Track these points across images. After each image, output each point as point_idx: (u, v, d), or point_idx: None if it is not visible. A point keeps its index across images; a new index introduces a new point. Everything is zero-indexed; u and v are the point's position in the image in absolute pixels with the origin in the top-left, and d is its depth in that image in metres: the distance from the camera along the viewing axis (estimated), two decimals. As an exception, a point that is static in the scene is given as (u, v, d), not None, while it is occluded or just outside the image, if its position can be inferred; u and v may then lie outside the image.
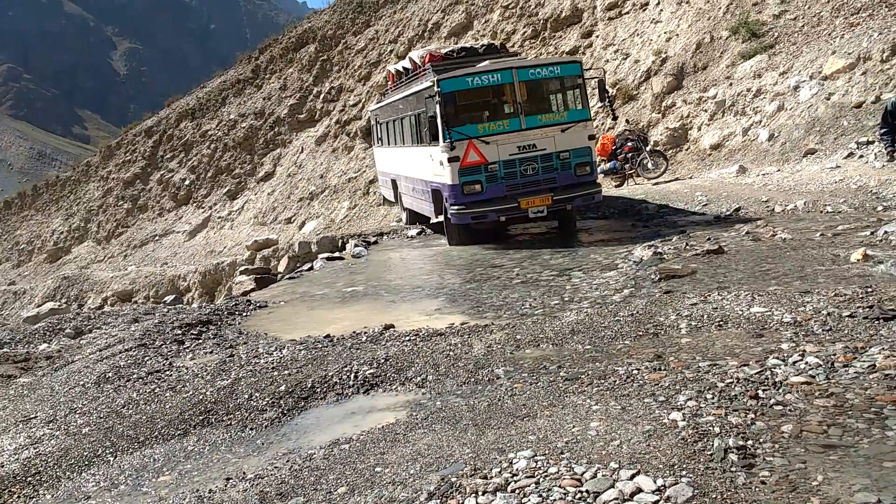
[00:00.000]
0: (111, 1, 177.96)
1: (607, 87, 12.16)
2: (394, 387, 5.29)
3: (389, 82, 16.40)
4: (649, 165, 14.98)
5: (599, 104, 11.72)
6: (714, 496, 2.97)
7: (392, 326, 7.01)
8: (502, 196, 10.68)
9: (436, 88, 10.58)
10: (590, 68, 14.99)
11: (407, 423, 4.48)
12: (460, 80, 10.68)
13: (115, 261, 31.83)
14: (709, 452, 3.32)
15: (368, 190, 24.35)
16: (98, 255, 33.32)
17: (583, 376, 4.64)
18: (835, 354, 4.30)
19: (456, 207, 10.89)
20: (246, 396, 5.55)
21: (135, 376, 6.57)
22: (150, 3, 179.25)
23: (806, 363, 4.23)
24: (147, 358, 7.11)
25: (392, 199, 17.24)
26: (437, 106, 10.63)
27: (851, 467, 3.09)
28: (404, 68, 14.44)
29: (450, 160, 10.64)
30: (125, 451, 5.04)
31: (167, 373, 6.56)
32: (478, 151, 10.58)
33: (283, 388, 5.55)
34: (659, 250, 8.64)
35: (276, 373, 5.95)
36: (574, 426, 3.83)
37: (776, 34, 15.54)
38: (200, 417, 5.36)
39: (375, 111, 17.84)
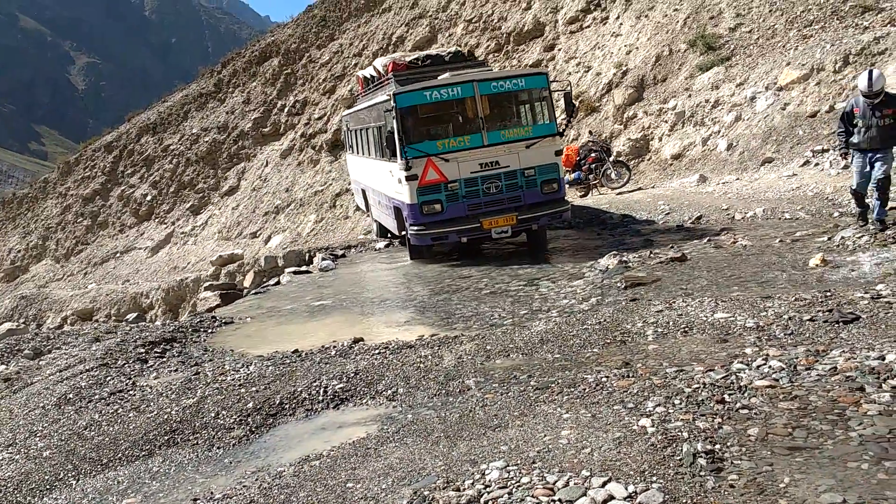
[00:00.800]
0: (69, 15, 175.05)
1: (573, 100, 11.80)
2: (364, 401, 5.24)
3: (359, 87, 15.94)
4: (613, 175, 15.20)
5: (565, 118, 11.28)
6: (684, 501, 3.01)
7: (361, 340, 6.96)
8: (464, 216, 10.20)
9: (392, 103, 10.09)
10: (554, 80, 15.14)
11: (378, 437, 4.45)
12: (418, 94, 10.13)
13: (75, 279, 31.08)
14: (678, 458, 3.36)
15: (335, 203, 24.22)
16: (57, 274, 32.50)
17: (553, 385, 4.66)
18: (797, 358, 4.39)
19: (415, 228, 10.40)
20: (213, 415, 5.45)
21: (97, 397, 6.40)
22: (109, 18, 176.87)
23: (769, 367, 4.31)
24: (109, 378, 6.94)
25: (364, 209, 16.92)
26: (394, 121, 10.12)
27: (817, 468, 3.15)
28: (371, 75, 14.06)
29: (407, 178, 10.15)
30: (88, 474, 4.90)
31: (130, 392, 6.41)
32: (437, 169, 10.07)
33: (250, 405, 5.46)
34: (624, 259, 8.75)
35: (243, 390, 5.86)
36: (545, 435, 3.85)
37: (732, 47, 15.92)
38: (166, 437, 5.24)
39: (346, 117, 17.41)
